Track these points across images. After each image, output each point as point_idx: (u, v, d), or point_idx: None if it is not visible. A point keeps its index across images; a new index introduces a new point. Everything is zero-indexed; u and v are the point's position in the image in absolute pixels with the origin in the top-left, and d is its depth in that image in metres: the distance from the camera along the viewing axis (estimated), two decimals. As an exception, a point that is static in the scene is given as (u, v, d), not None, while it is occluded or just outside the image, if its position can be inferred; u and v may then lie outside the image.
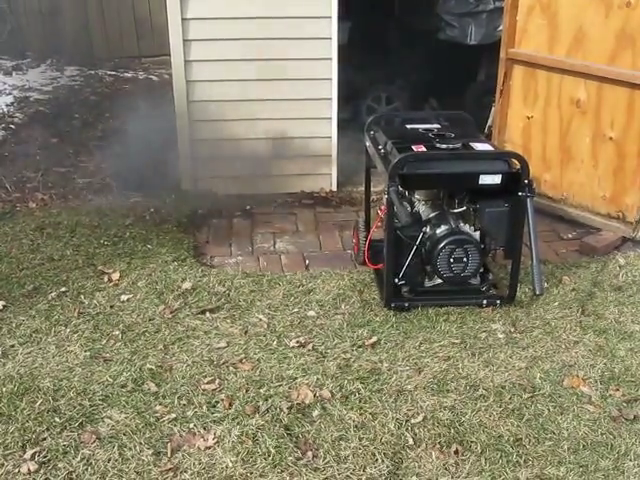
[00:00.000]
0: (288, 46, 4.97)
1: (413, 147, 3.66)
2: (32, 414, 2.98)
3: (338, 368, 3.32)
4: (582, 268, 4.26)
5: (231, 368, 3.31)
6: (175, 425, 2.94)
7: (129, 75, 9.36)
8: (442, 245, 3.67)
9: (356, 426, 2.95)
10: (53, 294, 3.88)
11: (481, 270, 3.85)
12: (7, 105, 7.78)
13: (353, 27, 6.35)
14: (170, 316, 3.72)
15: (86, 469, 2.72)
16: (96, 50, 9.82)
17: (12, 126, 7.10)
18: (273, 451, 2.81)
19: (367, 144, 4.13)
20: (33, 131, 6.75)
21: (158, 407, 3.05)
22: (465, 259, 3.70)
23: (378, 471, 2.74)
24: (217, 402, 3.08)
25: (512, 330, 3.64)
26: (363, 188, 4.51)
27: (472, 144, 3.76)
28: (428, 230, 3.77)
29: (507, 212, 3.66)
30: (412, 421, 2.99)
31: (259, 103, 5.12)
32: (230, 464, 2.75)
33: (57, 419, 2.96)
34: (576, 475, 2.74)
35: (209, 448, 2.83)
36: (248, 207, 5.11)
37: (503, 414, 3.04)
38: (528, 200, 3.59)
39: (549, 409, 3.08)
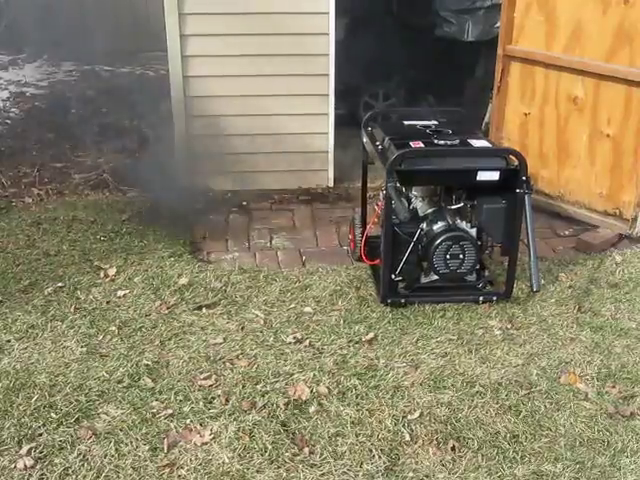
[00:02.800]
0: (285, 41, 4.96)
1: (411, 143, 3.66)
2: (28, 410, 2.97)
3: (335, 364, 3.31)
4: (579, 265, 4.26)
5: (228, 364, 3.31)
6: (172, 421, 2.94)
7: (125, 70, 9.33)
8: (438, 241, 3.67)
9: (353, 422, 2.95)
10: (49, 289, 3.87)
11: (477, 267, 3.85)
12: (3, 100, 7.76)
13: (351, 23, 6.33)
14: (166, 312, 3.71)
15: (82, 465, 2.71)
16: (92, 45, 9.78)
17: (8, 121, 7.08)
18: (270, 447, 2.80)
19: (364, 140, 4.12)
20: (29, 126, 6.73)
21: (154, 403, 3.04)
22: (461, 255, 3.70)
23: (375, 467, 2.74)
24: (214, 398, 3.08)
25: (509, 327, 3.65)
26: (360, 184, 4.49)
27: (470, 141, 3.76)
28: (425, 226, 3.77)
29: (505, 209, 3.66)
30: (409, 417, 2.98)
31: (256, 99, 5.11)
32: (227, 460, 2.75)
33: (53, 415, 2.95)
34: (572, 472, 2.75)
35: (206, 444, 2.83)
36: (244, 203, 5.11)
37: (500, 410, 3.04)
38: (526, 197, 3.59)
39: (546, 406, 3.09)
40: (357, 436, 2.88)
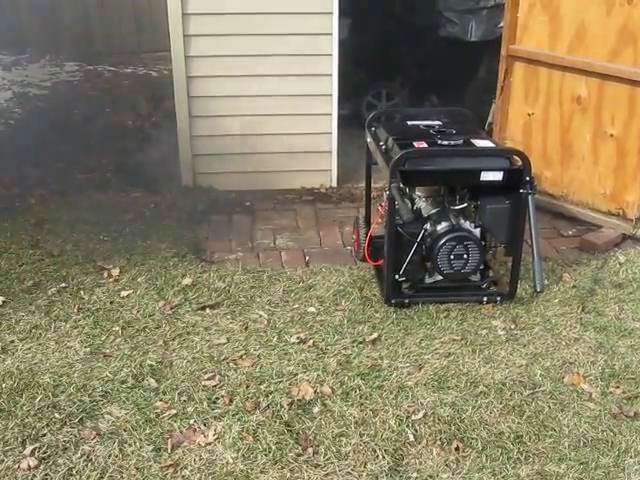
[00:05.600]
0: (289, 42, 4.97)
1: (414, 143, 3.66)
2: (32, 410, 2.97)
3: (338, 364, 3.31)
4: (582, 265, 4.26)
5: (231, 364, 3.31)
6: (175, 421, 2.94)
7: (129, 70, 9.35)
8: (442, 242, 3.66)
9: (357, 422, 2.95)
10: (53, 290, 3.87)
11: (481, 267, 3.85)
12: (6, 100, 7.78)
13: (354, 23, 6.34)
14: (170, 312, 3.71)
15: (86, 465, 2.71)
16: (96, 45, 9.82)
17: (11, 121, 7.09)
18: (274, 447, 2.80)
19: (368, 140, 4.12)
20: (32, 127, 6.74)
21: (158, 403, 3.04)
22: (465, 256, 3.70)
23: (379, 467, 2.73)
24: (217, 398, 3.08)
25: (512, 327, 3.64)
26: (363, 184, 4.50)
27: (473, 141, 3.75)
28: (429, 227, 3.77)
29: (508, 209, 3.65)
30: (413, 417, 2.98)
31: (259, 99, 5.11)
32: (230, 460, 2.74)
33: (57, 415, 2.95)
34: (576, 472, 2.74)
35: (209, 444, 2.82)
36: (248, 203, 5.11)
37: (504, 411, 3.04)
38: (529, 197, 3.58)
39: (549, 406, 3.08)
40: (361, 436, 2.88)
